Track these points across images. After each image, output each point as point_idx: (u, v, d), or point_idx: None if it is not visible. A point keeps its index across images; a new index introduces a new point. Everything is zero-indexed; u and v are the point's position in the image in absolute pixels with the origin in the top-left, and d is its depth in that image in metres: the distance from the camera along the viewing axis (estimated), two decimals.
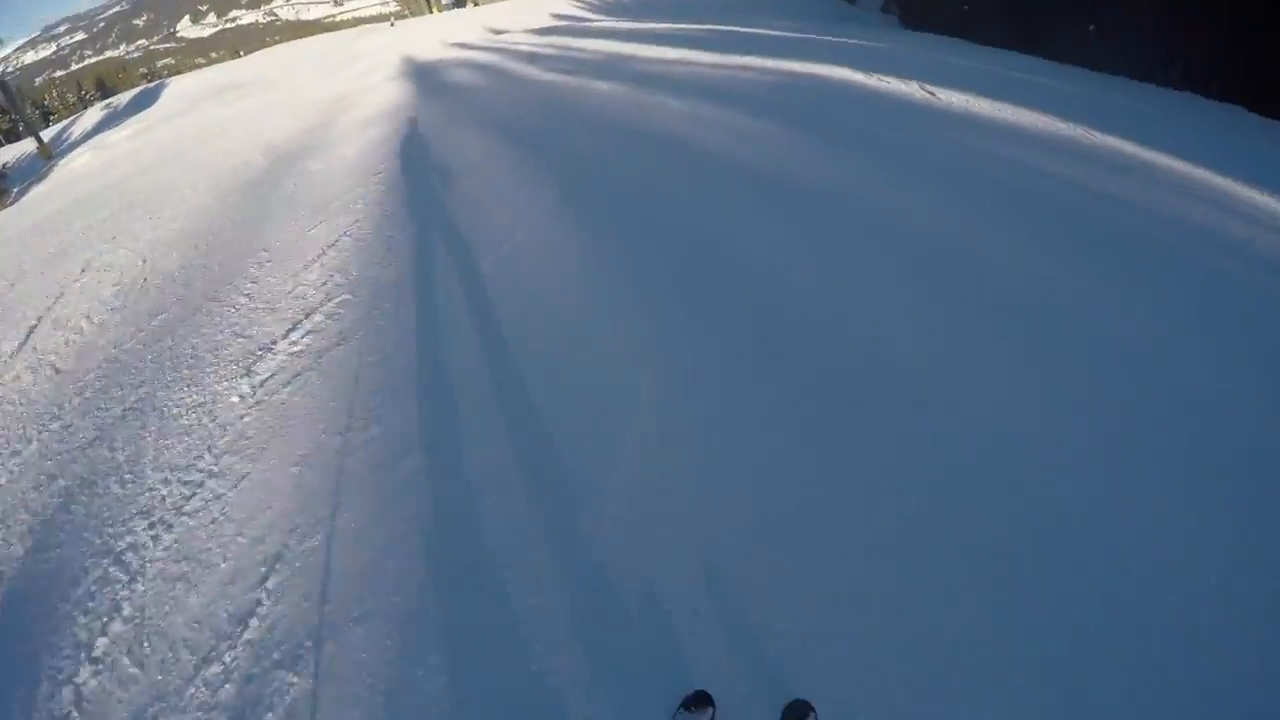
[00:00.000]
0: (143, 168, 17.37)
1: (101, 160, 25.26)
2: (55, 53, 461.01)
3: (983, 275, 6.21)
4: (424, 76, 19.49)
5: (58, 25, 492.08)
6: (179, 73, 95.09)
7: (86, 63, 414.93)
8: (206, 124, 23.47)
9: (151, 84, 62.04)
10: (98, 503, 5.30)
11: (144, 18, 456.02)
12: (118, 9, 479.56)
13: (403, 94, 17.02)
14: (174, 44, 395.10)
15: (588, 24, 29.49)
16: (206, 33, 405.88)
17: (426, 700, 3.49)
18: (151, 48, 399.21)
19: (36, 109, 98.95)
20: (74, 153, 31.94)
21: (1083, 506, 4.02)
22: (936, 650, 3.41)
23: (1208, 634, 3.40)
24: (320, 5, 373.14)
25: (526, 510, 4.38)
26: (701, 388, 5.16)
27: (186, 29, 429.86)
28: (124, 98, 54.36)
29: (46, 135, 48.45)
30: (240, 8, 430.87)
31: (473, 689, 3.51)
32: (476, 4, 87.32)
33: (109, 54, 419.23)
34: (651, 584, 3.83)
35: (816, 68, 13.43)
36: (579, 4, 51.96)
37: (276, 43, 78.46)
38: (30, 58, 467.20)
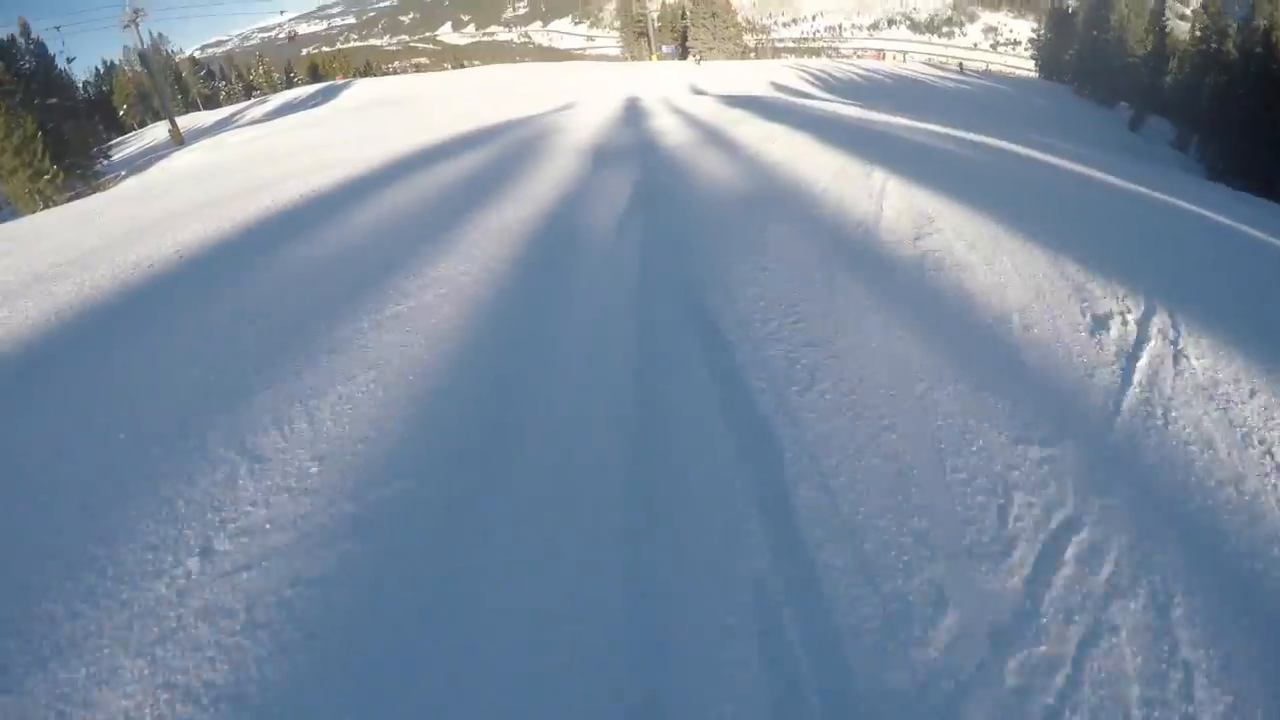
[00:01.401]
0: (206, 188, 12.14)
1: (204, 163, 23.41)
2: (325, 30, 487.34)
3: None
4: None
5: (333, 5, 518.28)
6: (435, 69, 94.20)
7: (352, 44, 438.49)
8: (322, 139, 21.25)
9: (339, 81, 60.47)
10: None
11: (410, 16, 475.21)
12: (388, 4, 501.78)
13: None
14: (432, 45, 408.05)
15: (806, 104, 23.43)
16: (464, 41, 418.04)
17: None
18: (411, 44, 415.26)
19: (241, 81, 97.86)
20: (185, 149, 31.41)
21: None
22: None
23: None
24: (573, 36, 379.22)
25: None
26: None
27: (446, 34, 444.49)
28: (304, 91, 53.67)
29: (218, 115, 48.61)
30: (498, 24, 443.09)
31: None
32: (700, 59, 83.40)
33: (372, 41, 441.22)
34: None
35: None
36: (804, 77, 49.32)
37: (521, 61, 79.23)
38: (303, 29, 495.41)
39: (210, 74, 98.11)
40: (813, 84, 51.36)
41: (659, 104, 21.04)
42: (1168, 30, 59.70)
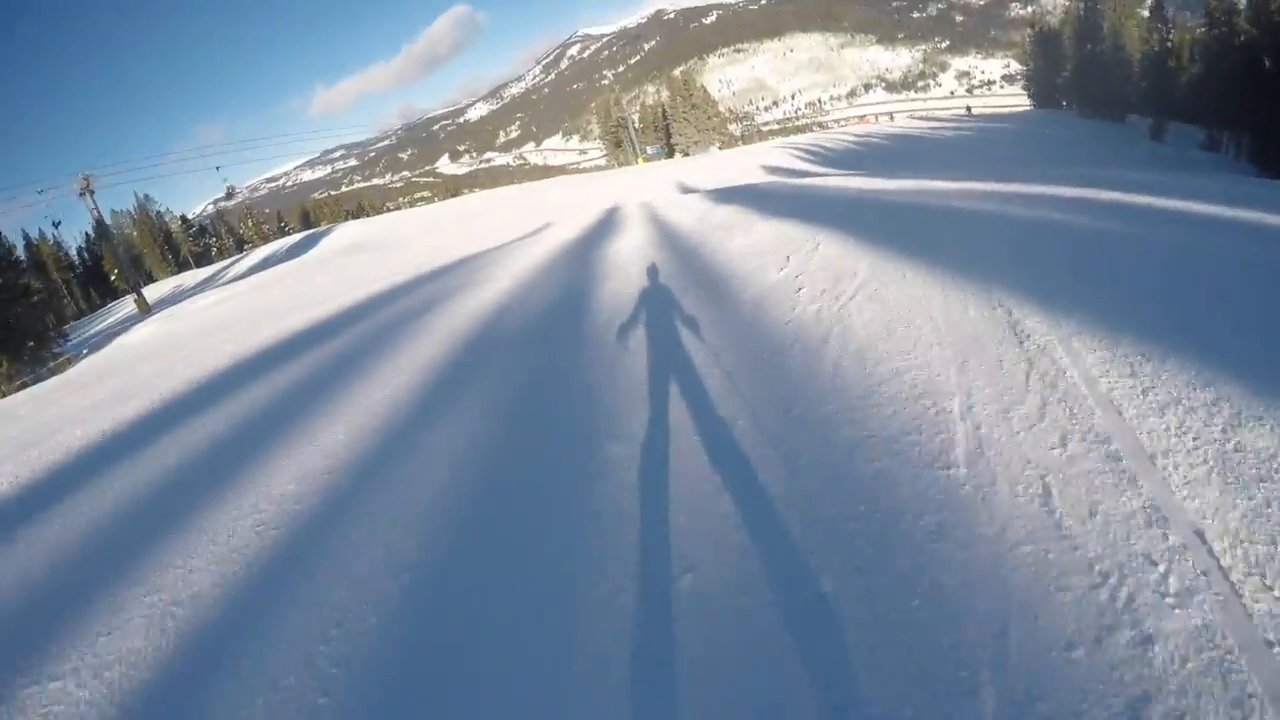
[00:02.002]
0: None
1: (156, 337, 22.00)
2: (329, 174, 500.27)
3: None
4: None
5: (335, 150, 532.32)
6: (436, 199, 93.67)
7: (355, 186, 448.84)
8: (281, 300, 19.85)
9: (322, 228, 58.52)
10: None
11: (409, 152, 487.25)
12: (386, 143, 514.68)
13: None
14: (433, 178, 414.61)
15: (807, 186, 21.77)
16: (462, 170, 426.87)
17: None
18: (412, 179, 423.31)
19: (232, 236, 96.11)
20: (145, 322, 28.62)
21: None
22: None
23: None
24: (566, 152, 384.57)
25: None
26: None
27: (445, 166, 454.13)
28: (288, 242, 52.26)
29: (206, 273, 47.39)
30: (494, 150, 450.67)
31: None
32: (687, 154, 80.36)
33: (375, 181, 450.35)
34: None
35: None
36: (796, 154, 48.72)
37: (516, 183, 77.62)
38: (307, 176, 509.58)
39: (202, 230, 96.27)
40: (807, 159, 47.73)
41: (637, 213, 19.61)
42: (1171, 25, 55.52)
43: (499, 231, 23.94)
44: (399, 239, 37.13)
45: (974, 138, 51.09)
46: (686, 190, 29.76)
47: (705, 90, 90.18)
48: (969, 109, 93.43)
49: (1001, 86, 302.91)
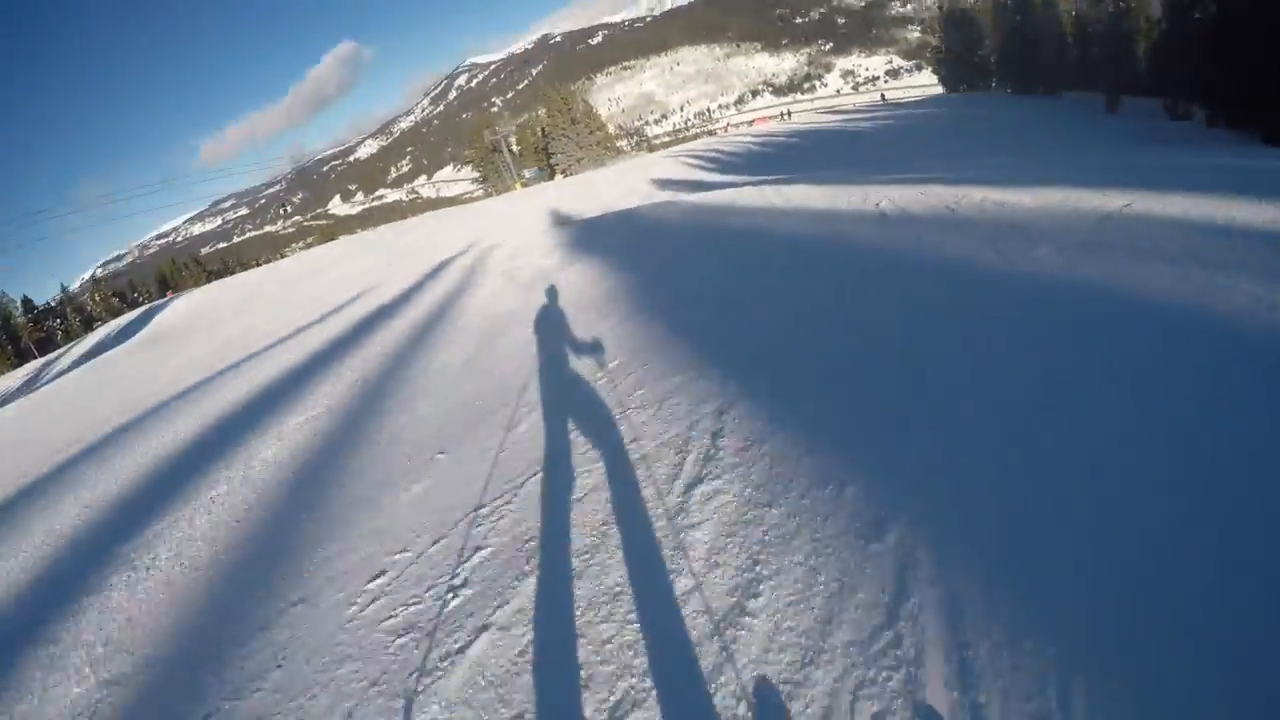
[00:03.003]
0: None
1: None
2: (220, 226, 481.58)
3: None
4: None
5: (225, 200, 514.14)
6: (327, 239, 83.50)
7: (247, 235, 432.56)
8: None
9: (161, 301, 49.66)
10: None
11: (299, 196, 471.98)
12: (277, 188, 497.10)
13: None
14: (325, 220, 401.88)
15: (693, 198, 18.85)
16: (355, 210, 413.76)
17: None
18: (305, 224, 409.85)
19: (78, 315, 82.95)
20: None
21: None
22: None
23: None
24: (458, 183, 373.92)
25: None
26: None
27: (337, 207, 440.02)
28: (122, 321, 44.32)
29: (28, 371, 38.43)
30: (385, 186, 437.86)
31: None
32: (565, 174, 71.00)
33: (267, 229, 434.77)
34: None
35: None
36: (691, 162, 42.23)
37: (406, 218, 68.17)
38: (198, 229, 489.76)
39: (47, 312, 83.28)
40: (705, 167, 39.98)
41: (492, 262, 17.40)
42: None
43: (310, 305, 20.91)
44: (210, 321, 29.59)
45: (898, 127, 42.58)
46: (560, 222, 25.91)
47: (586, 103, 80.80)
48: (883, 97, 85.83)
49: (887, 80, 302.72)
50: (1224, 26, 34.03)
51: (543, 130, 76.19)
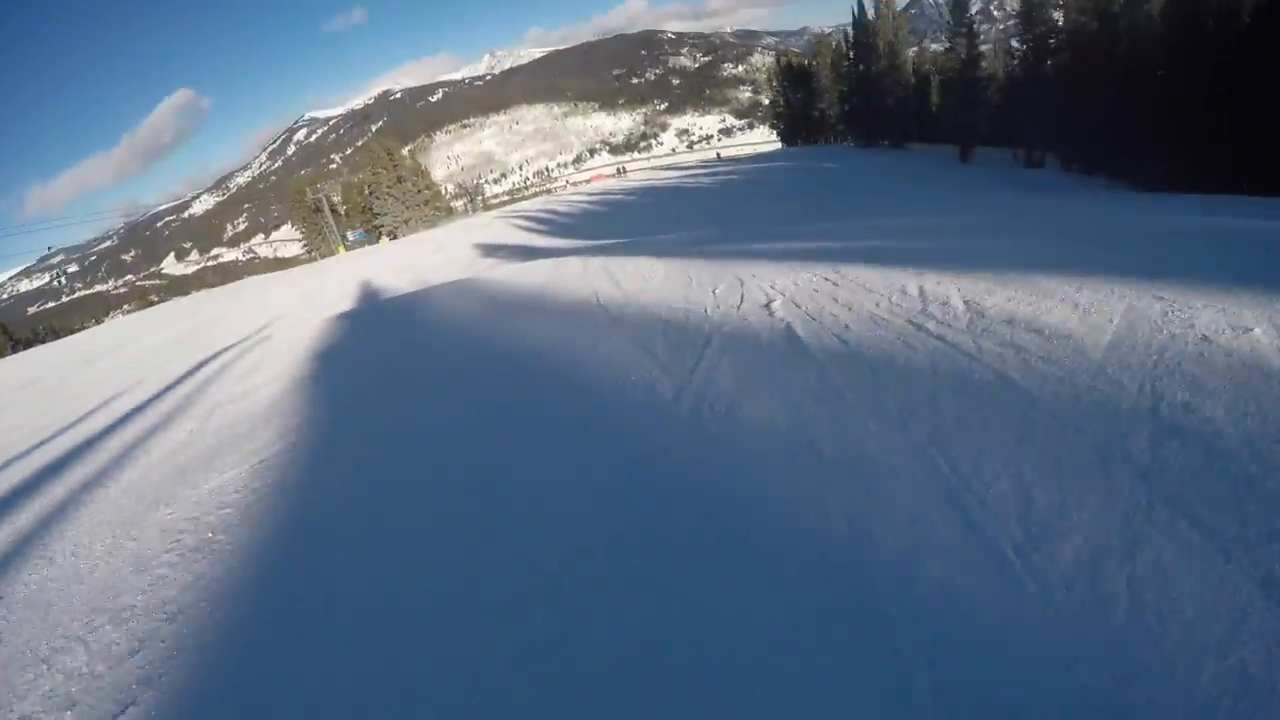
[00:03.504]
0: None
1: None
2: (49, 283, 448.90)
3: None
4: None
5: (54, 255, 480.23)
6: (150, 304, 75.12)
7: (78, 294, 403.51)
8: None
9: None
10: None
11: (132, 253, 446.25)
12: (108, 243, 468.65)
13: None
14: (159, 280, 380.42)
15: (501, 276, 15.80)
16: (190, 269, 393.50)
17: None
18: (138, 283, 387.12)
19: None
20: None
21: None
22: None
23: None
24: (295, 242, 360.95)
25: None
26: None
27: (171, 265, 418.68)
28: None
29: None
30: (222, 245, 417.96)
31: None
32: (393, 237, 65.05)
33: (98, 288, 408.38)
34: None
35: None
36: (521, 224, 37.99)
37: (244, 277, 61.30)
38: (25, 286, 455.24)
39: None
40: (537, 229, 35.31)
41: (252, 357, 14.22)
42: (978, 37, 45.50)
43: (66, 406, 15.53)
44: None
45: (744, 181, 38.96)
46: (367, 294, 24.52)
47: (415, 161, 75.02)
48: (719, 155, 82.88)
49: (721, 138, 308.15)
50: (1083, 76, 33.06)
51: (368, 189, 69.92)
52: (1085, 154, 35.01)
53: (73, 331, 59.89)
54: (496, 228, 38.43)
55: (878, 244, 9.54)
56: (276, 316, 24.04)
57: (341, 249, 64.42)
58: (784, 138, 69.27)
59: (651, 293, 9.07)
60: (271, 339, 16.85)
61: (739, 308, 7.18)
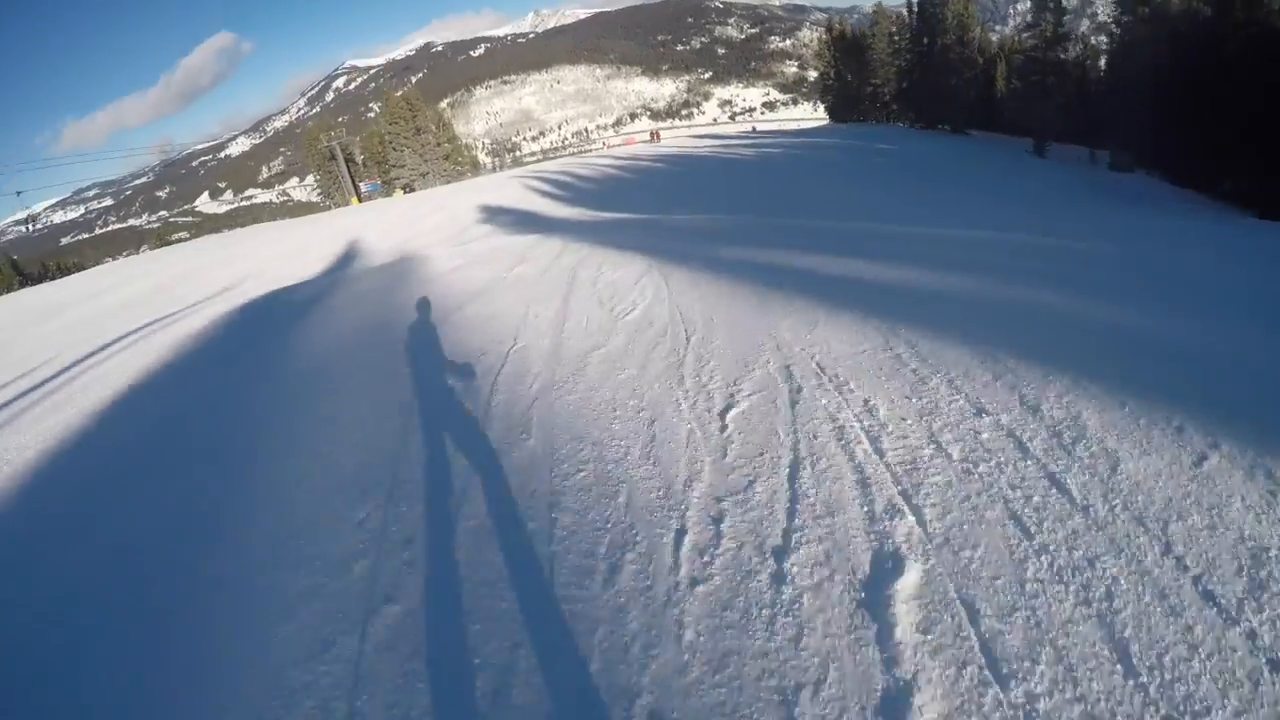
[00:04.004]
0: None
1: None
2: (83, 215, 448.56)
3: None
4: None
5: (88, 189, 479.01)
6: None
7: (111, 227, 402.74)
8: None
9: None
10: None
11: (166, 190, 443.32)
12: (143, 179, 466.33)
13: None
14: (192, 217, 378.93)
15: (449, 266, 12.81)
16: (223, 209, 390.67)
17: None
18: (170, 219, 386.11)
19: None
20: None
21: None
22: None
23: None
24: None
25: None
26: None
27: (205, 204, 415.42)
28: None
29: None
30: (256, 186, 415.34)
31: None
32: (409, 190, 61.32)
33: (131, 222, 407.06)
34: None
35: None
36: (536, 188, 34.36)
37: (277, 218, 68.29)
38: (59, 217, 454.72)
39: None
40: (548, 195, 31.33)
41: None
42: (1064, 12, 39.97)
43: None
44: None
45: (785, 157, 34.54)
46: (340, 257, 22.80)
47: (436, 112, 70.94)
48: (754, 129, 77.56)
49: (764, 112, 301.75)
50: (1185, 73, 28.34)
51: (384, 140, 65.77)
52: (1187, 164, 29.85)
53: (83, 268, 56.57)
54: (509, 190, 35.05)
55: (1012, 294, 6.41)
56: (249, 275, 22.71)
57: (356, 200, 60.78)
58: (832, 114, 64.14)
59: (601, 367, 5.80)
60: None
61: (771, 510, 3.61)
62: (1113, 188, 27.67)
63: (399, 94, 70.20)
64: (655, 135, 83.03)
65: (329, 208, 65.54)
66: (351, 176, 64.47)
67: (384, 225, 30.38)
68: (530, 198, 30.52)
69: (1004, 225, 13.68)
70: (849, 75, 58.21)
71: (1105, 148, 34.43)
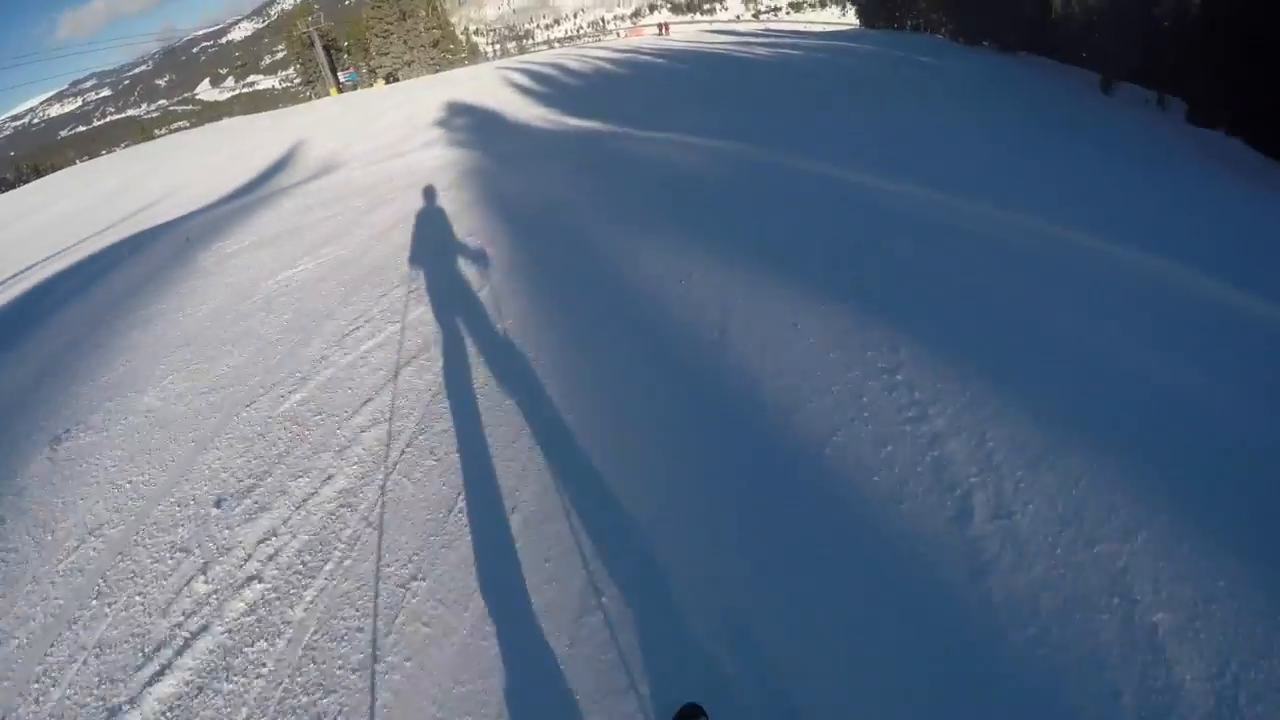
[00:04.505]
0: None
1: None
2: (80, 107, 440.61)
3: None
4: None
5: (86, 79, 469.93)
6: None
7: (109, 119, 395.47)
8: None
9: None
10: None
11: (166, 78, 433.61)
12: (142, 68, 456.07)
13: None
14: (192, 106, 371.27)
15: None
16: (224, 96, 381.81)
17: None
18: (170, 108, 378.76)
19: None
20: None
21: None
22: None
23: None
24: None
25: None
26: None
27: (206, 91, 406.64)
28: None
29: None
30: (259, 73, 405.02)
31: None
32: (390, 80, 56.37)
33: (130, 112, 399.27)
34: None
35: None
36: (521, 81, 29.62)
37: (279, 106, 60.64)
38: (56, 111, 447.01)
39: None
40: (525, 91, 26.99)
41: None
42: None
43: None
44: None
45: (808, 62, 29.07)
46: (279, 165, 21.05)
47: None
48: (766, 29, 70.50)
49: (790, 12, 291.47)
50: None
51: (369, 25, 60.40)
52: None
53: (56, 169, 52.57)
54: (485, 82, 30.77)
55: None
56: (177, 189, 21.32)
57: (335, 91, 56.04)
58: (863, 17, 57.28)
59: None
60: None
61: None
62: (1199, 144, 21.88)
63: None
64: (664, 28, 76.12)
65: (309, 98, 61.05)
66: (332, 65, 59.45)
67: (339, 124, 27.19)
68: (503, 94, 26.48)
69: (1091, 200, 9.44)
70: None
71: (1177, 94, 27.50)
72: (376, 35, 58.40)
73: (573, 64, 33.50)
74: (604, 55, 36.30)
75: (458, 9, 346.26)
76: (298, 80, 68.37)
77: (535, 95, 24.90)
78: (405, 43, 57.91)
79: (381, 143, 19.81)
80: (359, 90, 52.84)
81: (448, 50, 61.83)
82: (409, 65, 57.51)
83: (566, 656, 3.19)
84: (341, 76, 58.92)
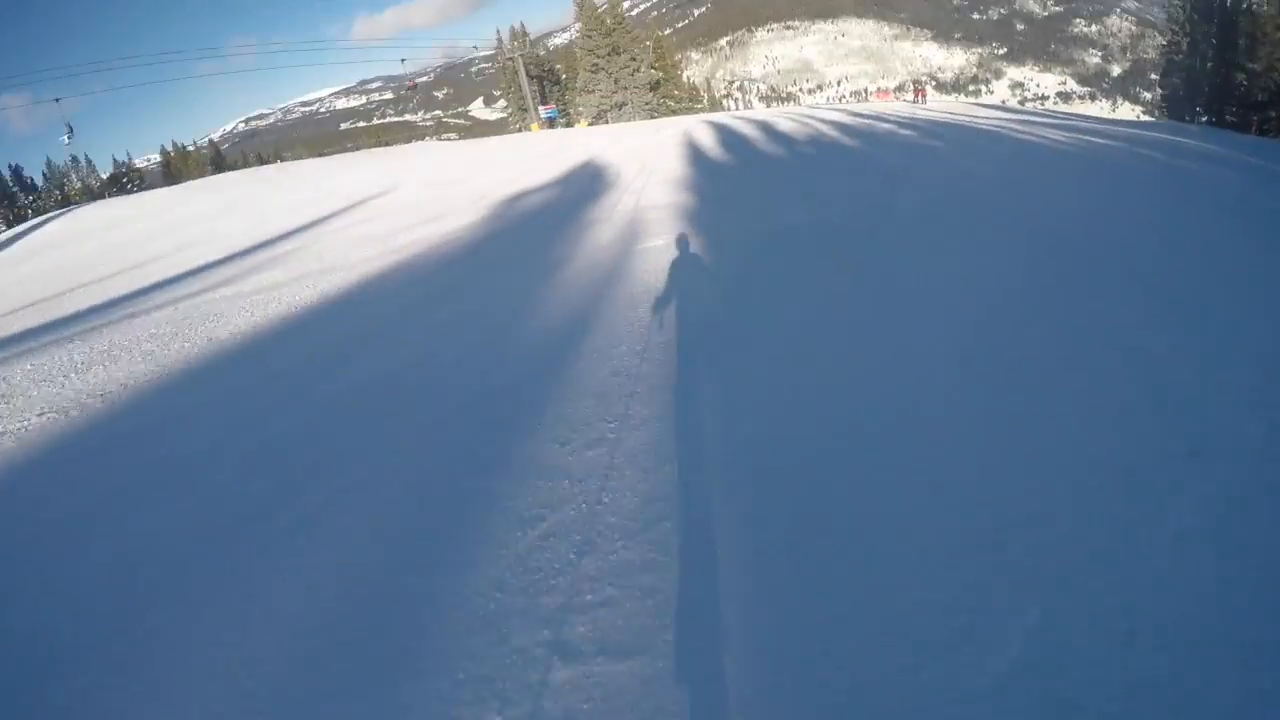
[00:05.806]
0: None
1: None
2: (364, 105, 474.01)
3: None
4: None
5: (371, 81, 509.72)
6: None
7: (388, 119, 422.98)
8: None
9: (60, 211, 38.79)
10: None
11: (444, 91, 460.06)
12: (425, 79, 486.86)
13: None
14: (464, 120, 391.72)
15: None
16: (493, 116, 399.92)
17: None
18: (444, 119, 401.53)
19: (58, 193, 68.28)
20: None
21: None
22: None
23: None
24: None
25: None
26: None
27: (478, 109, 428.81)
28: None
29: None
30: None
31: None
32: (599, 121, 49.62)
33: (407, 116, 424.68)
34: None
35: None
36: (700, 142, 22.65)
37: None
38: (341, 104, 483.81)
39: (29, 185, 71.03)
40: (691, 162, 18.97)
41: None
42: None
43: None
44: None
45: (1137, 164, 18.19)
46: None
47: (651, 33, 58.38)
48: (1049, 111, 56.14)
49: (1058, 102, 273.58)
50: None
51: (577, 55, 53.86)
52: None
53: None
54: (658, 140, 23.38)
55: None
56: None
57: (535, 126, 49.98)
58: (1170, 105, 43.25)
59: None
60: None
61: None
62: None
63: (600, 2, 56.20)
64: (920, 93, 61.29)
65: (519, 129, 55.43)
66: (541, 96, 53.63)
67: (517, 169, 22.19)
68: (682, 155, 19.46)
69: None
70: (1207, 49, 38.80)
71: None
72: (585, 70, 51.85)
73: (783, 126, 24.76)
74: (829, 121, 26.98)
75: (724, 63, 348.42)
76: (507, 110, 63.49)
77: (711, 161, 16.55)
78: (616, 81, 50.98)
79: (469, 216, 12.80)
80: (558, 128, 46.45)
81: (670, 95, 54.49)
82: (619, 107, 50.63)
83: None
84: (543, 112, 52.77)
